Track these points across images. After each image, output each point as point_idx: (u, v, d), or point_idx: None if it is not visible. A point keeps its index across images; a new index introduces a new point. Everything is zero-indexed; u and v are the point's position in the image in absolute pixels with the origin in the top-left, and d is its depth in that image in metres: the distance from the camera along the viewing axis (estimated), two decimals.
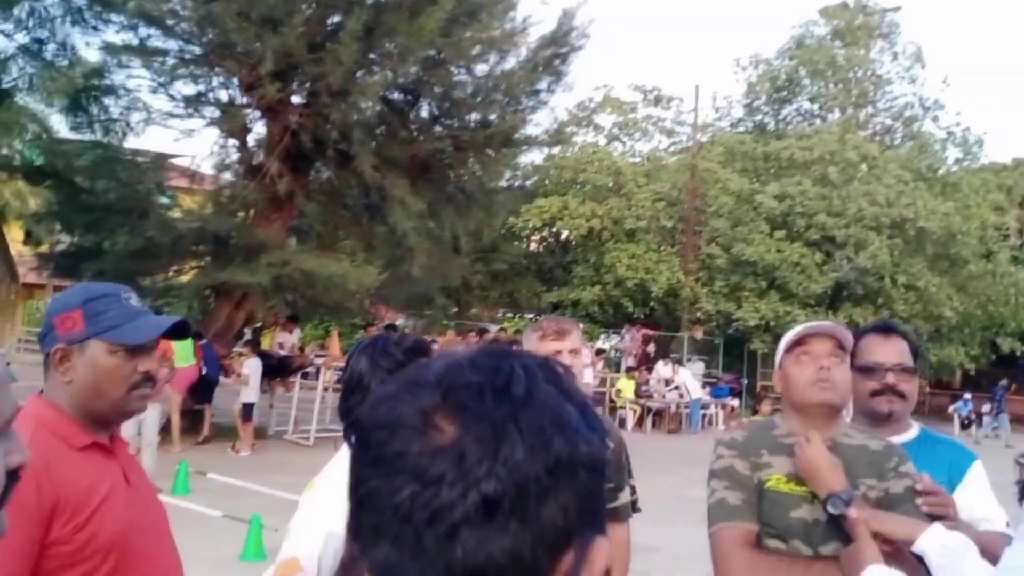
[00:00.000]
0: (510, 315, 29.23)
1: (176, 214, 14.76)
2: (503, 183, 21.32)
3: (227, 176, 15.83)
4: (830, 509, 2.22)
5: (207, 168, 15.97)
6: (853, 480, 2.30)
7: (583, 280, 25.88)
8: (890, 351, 2.71)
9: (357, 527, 0.76)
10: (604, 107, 30.22)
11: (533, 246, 29.47)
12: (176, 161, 16.16)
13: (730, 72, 49.59)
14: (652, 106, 30.71)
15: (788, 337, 2.41)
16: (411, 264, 13.77)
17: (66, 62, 14.23)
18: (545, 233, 28.78)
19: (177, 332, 2.01)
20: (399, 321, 27.93)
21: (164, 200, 14.80)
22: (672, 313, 26.16)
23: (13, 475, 0.96)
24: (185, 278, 14.87)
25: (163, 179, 15.16)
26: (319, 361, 15.03)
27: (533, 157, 24.80)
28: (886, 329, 2.80)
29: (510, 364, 0.77)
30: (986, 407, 24.35)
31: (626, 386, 20.29)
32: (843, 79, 31.21)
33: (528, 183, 27.64)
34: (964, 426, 23.81)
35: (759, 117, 33.22)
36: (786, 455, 2.35)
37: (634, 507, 3.40)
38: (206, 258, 14.37)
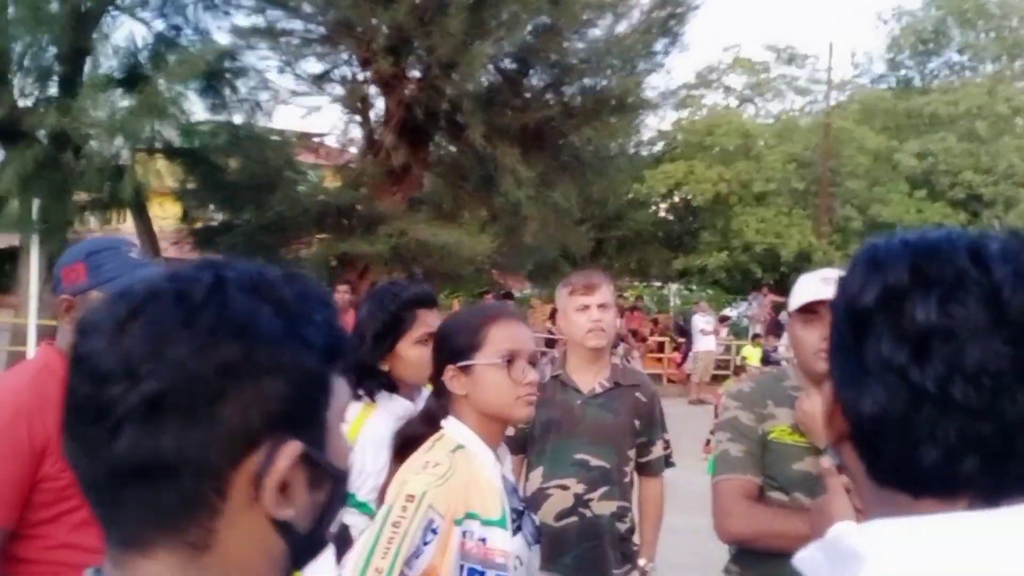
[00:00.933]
0: (637, 283, 29.02)
1: (302, 189, 15.36)
2: (628, 149, 21.12)
3: (351, 151, 16.38)
4: (831, 459, 2.21)
5: (332, 144, 16.55)
6: None
7: (710, 246, 25.39)
8: None
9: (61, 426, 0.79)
10: (734, 68, 29.42)
11: (662, 213, 29.10)
12: (302, 138, 16.79)
13: (870, 27, 47.27)
14: (785, 65, 29.67)
15: (797, 298, 2.35)
16: (525, 233, 13.86)
17: (199, 47, 14.98)
18: (676, 199, 28.34)
19: None
20: (526, 290, 28.23)
21: (292, 176, 15.40)
22: None
23: None
24: (311, 250, 15.49)
25: (291, 156, 15.77)
26: None
27: (658, 122, 24.46)
28: None
29: (205, 274, 0.78)
30: None
31: (752, 353, 19.80)
32: (996, 27, 29.19)
33: (654, 148, 27.26)
34: None
35: (902, 72, 31.53)
36: (791, 407, 2.33)
37: (667, 462, 3.40)
38: (331, 231, 14.93)
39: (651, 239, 27.59)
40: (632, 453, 3.24)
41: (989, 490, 0.78)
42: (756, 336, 21.61)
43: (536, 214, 13.96)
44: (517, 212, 14.30)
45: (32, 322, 10.96)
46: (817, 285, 2.30)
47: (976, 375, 0.77)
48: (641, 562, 3.26)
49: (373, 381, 2.67)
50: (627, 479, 3.23)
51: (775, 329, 22.69)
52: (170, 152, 15.32)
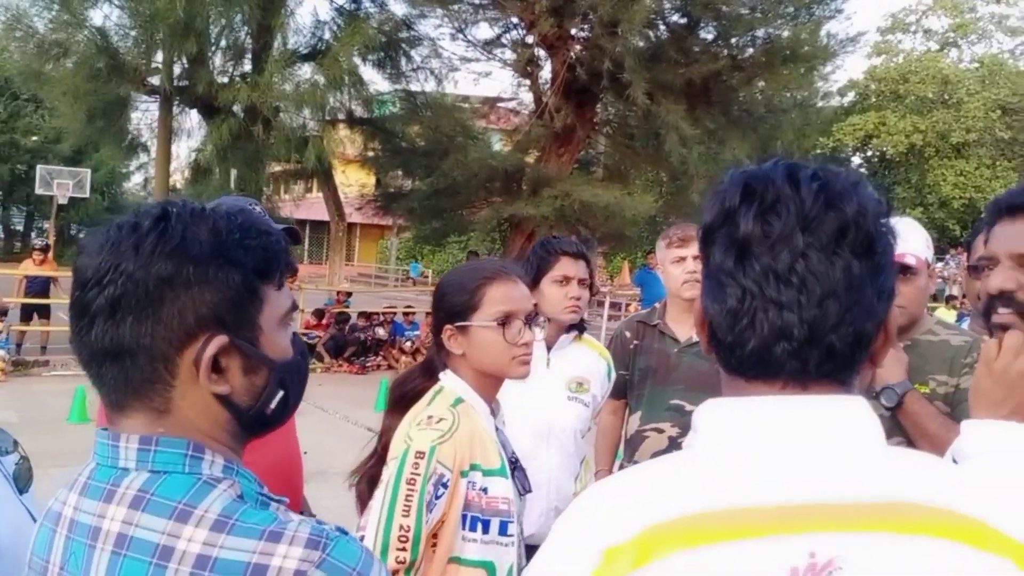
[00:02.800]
0: None
1: (474, 154, 15.80)
2: (811, 101, 20.23)
3: (522, 114, 16.64)
4: (883, 401, 2.28)
5: (503, 110, 16.85)
6: (923, 376, 2.31)
7: (903, 202, 23.97)
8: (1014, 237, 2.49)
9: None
10: (935, 9, 27.41)
11: (854, 166, 27.72)
12: (476, 104, 17.20)
13: None
14: (994, 3, 27.30)
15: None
16: (692, 191, 13.67)
17: (377, 18, 15.65)
18: (869, 153, 26.90)
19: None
20: None
21: (464, 141, 15.87)
22: None
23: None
24: (483, 212, 15.93)
25: (464, 121, 16.23)
26: (604, 289, 15.51)
27: (844, 71, 23.20)
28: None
29: (154, 209, 1.05)
30: None
31: (946, 316, 18.67)
32: None
33: (844, 99, 25.92)
34: None
35: None
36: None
37: None
38: (501, 193, 15.28)
39: None
40: None
41: (797, 374, 0.94)
42: (951, 298, 20.30)
43: (704, 172, 13.71)
44: (685, 171, 14.11)
45: None
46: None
47: (786, 274, 0.92)
48: None
49: None
50: None
51: None
52: (352, 121, 16.18)
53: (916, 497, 0.90)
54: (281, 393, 1.09)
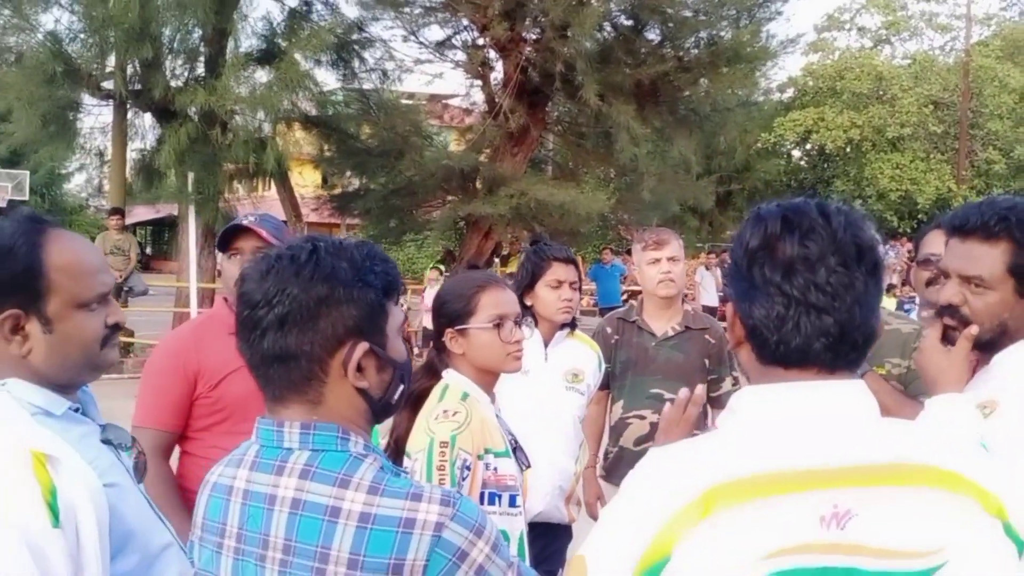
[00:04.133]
0: None
1: (429, 154, 16.01)
2: (752, 99, 20.80)
3: (474, 114, 16.91)
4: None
5: (456, 110, 17.09)
6: (880, 359, 2.67)
7: (842, 194, 24.75)
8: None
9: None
10: (868, 8, 28.28)
11: (794, 161, 28.44)
12: (429, 101, 17.40)
13: None
14: (924, 1, 28.31)
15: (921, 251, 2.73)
16: (642, 188, 14.09)
17: (329, 20, 15.77)
18: (808, 147, 27.65)
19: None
20: None
21: (419, 141, 16.07)
22: None
23: (115, 328, 1.61)
24: (440, 212, 16.16)
25: (417, 121, 16.43)
26: None
27: (781, 69, 23.85)
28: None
29: (308, 243, 1.36)
30: None
31: (887, 303, 19.41)
32: None
33: (783, 96, 26.63)
34: None
35: None
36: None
37: None
38: (457, 193, 15.53)
39: (782, 189, 27.07)
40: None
41: (829, 363, 1.23)
42: (891, 287, 21.08)
43: (654, 170, 14.15)
44: (635, 168, 14.53)
45: (193, 284, 12.05)
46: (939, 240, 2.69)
47: (824, 286, 1.20)
48: None
49: (526, 311, 3.26)
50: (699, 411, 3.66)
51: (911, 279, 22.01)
52: (307, 122, 16.26)
53: (909, 458, 1.19)
54: (402, 387, 1.42)
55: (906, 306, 19.45)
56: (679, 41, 14.13)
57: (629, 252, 19.39)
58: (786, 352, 1.22)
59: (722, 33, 14.19)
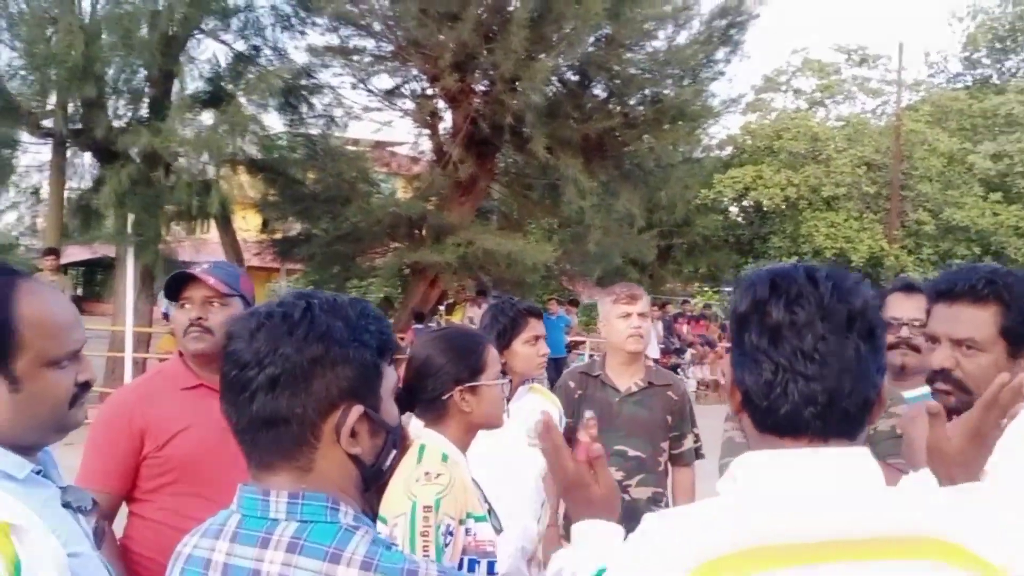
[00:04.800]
0: (707, 288, 29.02)
1: (377, 201, 15.97)
2: (694, 155, 21.25)
3: (422, 162, 16.97)
4: None
5: (403, 157, 17.14)
6: None
7: (779, 251, 25.30)
8: (908, 307, 2.90)
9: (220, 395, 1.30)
10: (804, 70, 29.22)
11: (732, 217, 29.01)
12: (376, 148, 17.41)
13: (943, 25, 46.15)
14: (856, 66, 29.33)
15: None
16: (588, 241, 14.24)
17: (277, 65, 15.73)
18: (745, 203, 28.25)
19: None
20: (596, 297, 28.40)
21: (366, 188, 16.02)
22: (875, 283, 25.05)
23: (85, 386, 1.51)
24: (385, 259, 16.09)
25: (364, 168, 16.41)
26: None
27: (724, 128, 24.46)
28: (909, 288, 3.03)
29: (301, 301, 1.28)
30: None
31: None
32: None
33: (722, 154, 27.25)
34: None
35: (979, 71, 30.87)
36: None
37: (697, 454, 3.77)
38: (403, 240, 15.50)
39: (720, 244, 27.56)
40: (665, 445, 3.66)
41: (820, 431, 1.19)
42: None
43: (599, 222, 14.33)
44: (581, 220, 14.70)
45: (129, 329, 11.69)
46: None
47: (811, 353, 1.17)
48: None
49: None
50: (661, 468, 3.64)
51: None
52: (252, 166, 16.11)
53: (914, 530, 1.15)
54: (394, 452, 1.35)
55: None
56: (625, 97, 14.43)
57: (572, 303, 19.52)
58: (776, 420, 1.19)
59: (666, 91, 14.53)
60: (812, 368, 1.16)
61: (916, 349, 2.85)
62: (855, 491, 1.17)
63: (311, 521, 1.24)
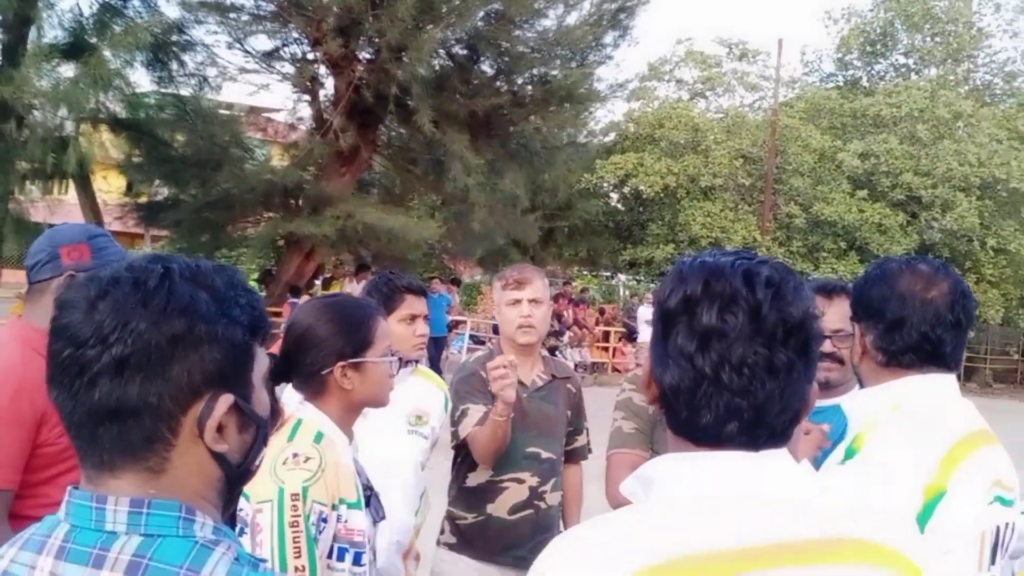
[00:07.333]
0: (587, 272, 29.28)
1: (250, 167, 15.28)
2: (578, 139, 21.29)
3: (300, 130, 16.33)
4: None
5: (281, 122, 16.46)
6: None
7: (657, 238, 25.68)
8: (831, 316, 2.58)
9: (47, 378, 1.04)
10: (686, 61, 29.72)
11: (613, 203, 29.30)
12: (251, 113, 16.67)
13: (819, 25, 47.93)
14: (737, 60, 30.02)
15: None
16: (472, 219, 13.99)
17: (147, 18, 14.78)
18: (626, 190, 28.56)
19: None
20: (476, 277, 28.30)
21: (239, 153, 15.31)
22: None
23: None
24: (258, 228, 15.44)
25: (238, 132, 15.68)
26: None
27: (609, 113, 24.61)
28: (829, 290, 2.69)
29: (156, 266, 1.03)
30: None
31: None
32: (940, 32, 29.86)
33: (605, 139, 27.43)
34: None
35: (850, 72, 32.12)
36: None
37: (587, 449, 3.54)
38: (278, 210, 14.89)
39: (601, 229, 27.79)
40: (564, 442, 3.28)
41: (746, 445, 1.09)
42: None
43: (484, 201, 14.09)
44: (465, 198, 14.40)
45: None
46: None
47: (739, 366, 1.06)
48: None
49: None
50: (561, 468, 3.27)
51: None
52: (115, 124, 15.15)
53: (843, 532, 1.09)
54: (264, 450, 1.11)
55: None
56: (514, 76, 14.24)
57: (454, 282, 19.28)
58: (695, 430, 1.09)
59: (555, 72, 14.40)
60: (739, 382, 1.06)
61: (840, 362, 2.58)
62: (790, 495, 1.09)
63: (158, 535, 1.00)
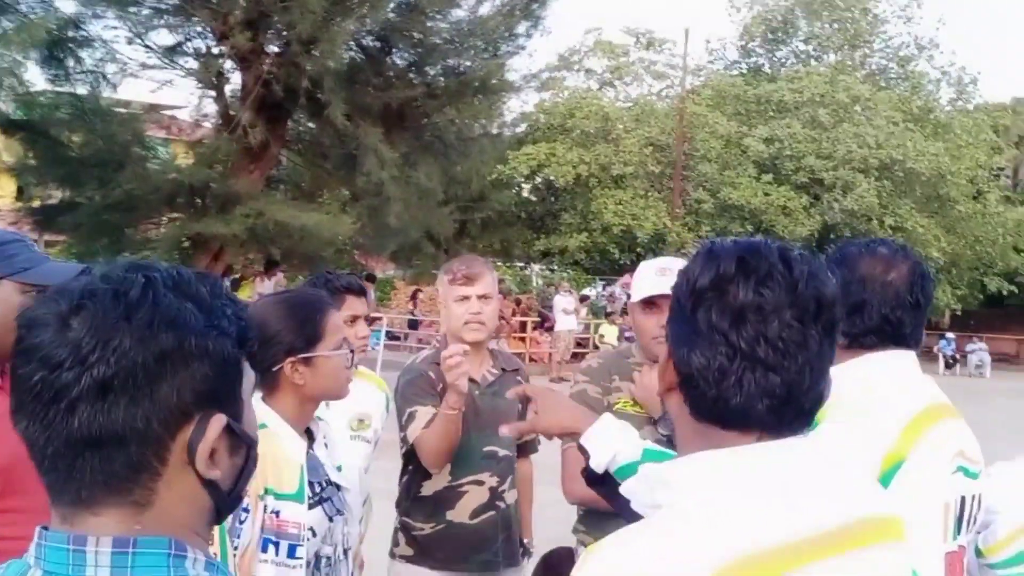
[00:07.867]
0: (500, 263, 29.25)
1: (153, 166, 14.74)
2: (491, 130, 21.20)
3: (205, 126, 15.83)
4: (661, 430, 2.43)
5: (185, 119, 15.94)
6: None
7: (570, 227, 25.86)
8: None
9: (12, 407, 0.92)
10: (595, 51, 29.95)
11: (525, 194, 29.36)
12: (152, 111, 16.09)
13: (724, 13, 48.93)
14: (644, 50, 30.38)
15: (638, 291, 2.50)
16: (388, 214, 13.78)
17: (41, 13, 14.09)
18: (538, 181, 28.65)
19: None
20: (389, 272, 27.99)
21: (141, 152, 14.75)
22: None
23: None
24: (163, 230, 14.92)
25: (139, 131, 15.10)
26: None
27: (521, 104, 24.64)
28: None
29: (135, 275, 0.91)
30: (970, 346, 24.64)
31: (609, 331, 20.46)
32: (839, 19, 30.78)
33: (517, 130, 27.45)
34: (948, 365, 24.12)
35: (754, 59, 32.88)
36: (632, 381, 2.49)
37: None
38: (184, 210, 14.41)
39: (514, 220, 27.84)
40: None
41: (773, 427, 1.08)
42: (609, 314, 22.28)
43: (399, 195, 13.89)
44: (380, 192, 14.15)
45: None
46: (655, 279, 2.43)
47: (774, 340, 1.06)
48: (525, 541, 3.22)
49: None
50: (516, 464, 3.18)
51: None
52: (8, 125, 14.43)
53: (864, 512, 1.12)
54: (255, 471, 1.01)
55: (627, 334, 20.67)
56: (427, 67, 14.07)
57: (370, 278, 18.98)
58: (723, 411, 1.08)
59: (468, 62, 14.29)
60: (774, 357, 1.06)
61: None
62: (815, 483, 1.10)
63: None
